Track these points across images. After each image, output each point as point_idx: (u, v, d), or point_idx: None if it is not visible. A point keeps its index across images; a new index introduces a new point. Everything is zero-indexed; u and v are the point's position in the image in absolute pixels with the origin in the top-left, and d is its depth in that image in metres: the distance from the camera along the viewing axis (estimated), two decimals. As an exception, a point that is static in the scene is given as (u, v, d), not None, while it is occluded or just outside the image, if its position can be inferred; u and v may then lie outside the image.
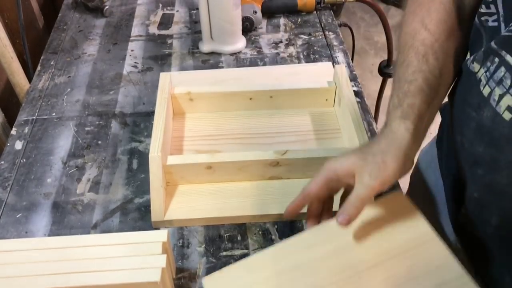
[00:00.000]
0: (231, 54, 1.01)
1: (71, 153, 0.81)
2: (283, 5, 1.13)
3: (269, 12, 1.13)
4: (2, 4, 1.05)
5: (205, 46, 1.02)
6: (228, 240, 0.68)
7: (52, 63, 1.01)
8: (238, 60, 1.00)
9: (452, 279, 0.52)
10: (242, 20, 1.05)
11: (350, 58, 1.02)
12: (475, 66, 0.54)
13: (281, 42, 1.05)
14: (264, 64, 0.99)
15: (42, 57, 1.02)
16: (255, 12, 1.06)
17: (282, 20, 1.12)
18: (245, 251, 0.66)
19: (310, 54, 1.01)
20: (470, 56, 0.56)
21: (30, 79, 0.99)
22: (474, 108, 0.54)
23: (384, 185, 0.55)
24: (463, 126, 0.58)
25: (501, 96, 0.50)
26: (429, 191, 0.76)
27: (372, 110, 0.91)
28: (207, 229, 0.69)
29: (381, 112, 1.51)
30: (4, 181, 0.76)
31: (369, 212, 0.57)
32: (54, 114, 0.88)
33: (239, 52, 1.02)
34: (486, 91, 0.52)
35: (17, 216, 0.71)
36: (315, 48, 1.03)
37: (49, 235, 0.68)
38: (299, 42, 1.05)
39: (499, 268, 0.60)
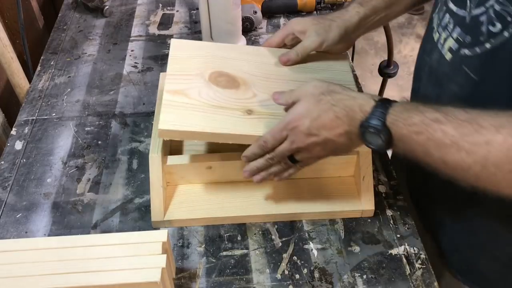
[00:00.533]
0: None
1: (71, 153, 0.81)
2: (283, 5, 1.13)
3: (269, 12, 1.13)
4: (2, 4, 1.05)
5: None
6: (228, 240, 0.68)
7: (52, 63, 1.01)
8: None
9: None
10: (242, 20, 1.05)
11: (350, 58, 1.02)
12: (434, 16, 0.63)
13: (281, 42, 1.05)
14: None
15: (42, 57, 1.02)
16: (255, 12, 1.06)
17: (282, 20, 1.12)
18: (245, 251, 0.66)
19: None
20: (434, 7, 0.65)
21: (30, 79, 0.99)
22: (428, 53, 0.65)
23: (324, 43, 0.72)
24: (420, 72, 0.69)
25: (445, 40, 0.60)
26: None
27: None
28: (207, 229, 0.69)
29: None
30: (4, 181, 0.76)
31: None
32: (54, 114, 0.88)
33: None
34: (436, 36, 0.62)
35: (17, 216, 0.71)
36: (315, 48, 1.03)
37: (49, 235, 0.68)
38: (299, 42, 1.05)
39: (441, 212, 0.72)
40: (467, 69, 0.57)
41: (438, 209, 0.73)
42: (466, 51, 0.57)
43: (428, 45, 0.66)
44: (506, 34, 0.51)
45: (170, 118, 0.63)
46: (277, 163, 0.63)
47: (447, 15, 0.59)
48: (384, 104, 0.54)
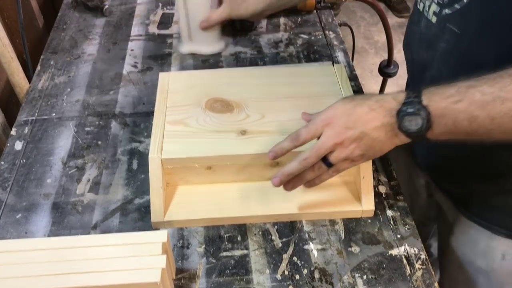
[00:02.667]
0: (216, 54, 1.01)
1: (71, 154, 0.81)
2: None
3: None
4: (2, 4, 1.05)
5: (184, 47, 1.02)
6: (228, 241, 0.68)
7: (52, 63, 1.01)
8: (238, 60, 1.00)
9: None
10: (242, 20, 1.05)
11: (350, 58, 1.02)
12: None
13: (281, 41, 1.05)
14: (264, 64, 0.99)
15: (42, 57, 1.02)
16: (255, 12, 1.06)
17: (282, 20, 1.12)
18: (245, 251, 0.66)
19: (310, 54, 1.01)
20: None
21: (30, 79, 0.99)
22: (416, 23, 0.72)
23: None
24: (412, 41, 0.76)
25: (429, 6, 0.67)
26: None
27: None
28: (207, 230, 0.69)
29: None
30: (4, 182, 0.76)
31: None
32: (54, 114, 0.88)
33: (240, 52, 1.02)
34: (421, 6, 0.70)
35: (17, 217, 0.71)
36: (315, 47, 1.03)
37: (49, 236, 0.68)
38: (299, 41, 1.05)
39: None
40: (451, 25, 0.64)
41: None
42: (447, 11, 0.64)
43: (415, 16, 0.73)
44: None
45: (171, 147, 0.69)
46: (310, 169, 0.62)
47: None
48: (414, 91, 0.57)
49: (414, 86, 0.77)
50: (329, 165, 0.61)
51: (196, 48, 1.01)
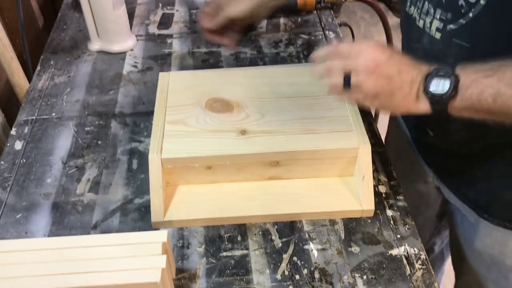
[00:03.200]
0: (216, 54, 1.01)
1: (71, 153, 0.81)
2: (283, 5, 1.13)
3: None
4: (2, 4, 1.05)
5: (93, 45, 1.03)
6: (228, 241, 0.68)
7: (52, 63, 1.01)
8: (238, 60, 1.00)
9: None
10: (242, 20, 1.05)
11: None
12: (411, 9, 0.70)
13: (281, 41, 1.05)
14: (264, 64, 0.99)
15: (42, 57, 1.02)
16: (255, 12, 1.06)
17: (282, 20, 1.12)
18: (245, 251, 0.66)
19: (310, 54, 1.01)
20: (407, 2, 0.71)
21: (30, 79, 0.99)
22: (416, 40, 0.70)
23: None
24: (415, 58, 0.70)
25: (430, 23, 0.66)
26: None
27: (372, 110, 0.91)
28: (207, 230, 0.69)
29: (381, 112, 1.51)
30: (4, 181, 0.76)
31: None
32: (54, 114, 0.88)
33: (240, 52, 1.02)
34: (421, 24, 0.68)
35: (17, 217, 0.71)
36: (315, 47, 1.03)
37: (49, 236, 0.68)
38: (299, 41, 1.05)
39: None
40: (458, 40, 0.63)
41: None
42: (452, 26, 0.63)
43: (414, 34, 0.70)
44: (482, 1, 0.58)
45: (171, 147, 0.69)
46: (334, 72, 0.62)
47: (426, 2, 0.66)
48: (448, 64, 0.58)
49: None
50: (348, 84, 0.60)
51: (106, 46, 1.03)
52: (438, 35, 0.66)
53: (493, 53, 0.58)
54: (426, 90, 0.57)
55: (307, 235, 0.68)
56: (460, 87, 0.56)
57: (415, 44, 0.71)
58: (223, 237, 0.68)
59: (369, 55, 0.60)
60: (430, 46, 0.68)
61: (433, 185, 0.89)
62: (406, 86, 0.58)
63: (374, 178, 0.74)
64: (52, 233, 0.69)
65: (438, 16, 0.64)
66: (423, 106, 0.58)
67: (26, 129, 0.85)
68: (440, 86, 0.56)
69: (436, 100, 0.57)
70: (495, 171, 0.73)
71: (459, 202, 0.81)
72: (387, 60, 0.59)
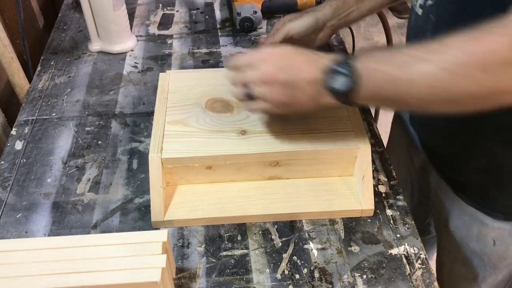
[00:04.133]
0: (216, 54, 1.01)
1: (71, 153, 0.81)
2: (283, 5, 1.13)
3: (269, 12, 1.13)
4: (2, 4, 1.05)
5: (93, 46, 1.03)
6: (228, 240, 0.68)
7: (52, 63, 1.01)
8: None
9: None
10: (242, 20, 1.05)
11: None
12: None
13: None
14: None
15: (42, 57, 1.02)
16: (255, 12, 1.06)
17: (282, 20, 1.12)
18: (245, 251, 0.66)
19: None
20: None
21: (30, 79, 0.99)
22: (412, 22, 0.74)
23: (290, 31, 0.83)
24: (407, 40, 0.78)
25: (417, 0, 0.70)
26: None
27: (372, 110, 0.91)
28: (207, 229, 0.69)
29: (381, 112, 1.51)
30: (4, 181, 0.76)
31: None
32: (54, 114, 0.88)
33: (240, 52, 1.02)
34: (413, 2, 0.72)
35: (17, 216, 0.71)
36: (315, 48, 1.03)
37: (49, 235, 0.68)
38: (299, 42, 1.05)
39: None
40: (431, 15, 0.68)
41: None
42: (430, 1, 0.68)
43: (412, 16, 0.75)
44: None
45: (171, 147, 0.69)
46: (237, 85, 0.66)
47: None
48: (352, 54, 0.62)
49: None
50: (251, 97, 0.63)
51: (106, 46, 1.03)
52: (420, 11, 0.70)
53: (452, 30, 0.61)
54: (327, 87, 0.58)
55: (307, 234, 0.68)
56: (360, 79, 0.56)
57: (408, 25, 0.77)
58: (223, 236, 0.68)
59: (262, 67, 0.61)
60: (415, 24, 0.73)
61: (421, 163, 0.90)
62: (307, 87, 0.59)
63: (374, 178, 0.75)
64: (52, 233, 0.69)
65: None
66: (329, 100, 0.59)
67: (26, 129, 0.85)
68: (339, 81, 0.57)
69: (340, 95, 0.58)
70: (472, 152, 0.74)
71: (440, 180, 0.83)
72: (281, 66, 0.60)
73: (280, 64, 0.60)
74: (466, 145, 0.74)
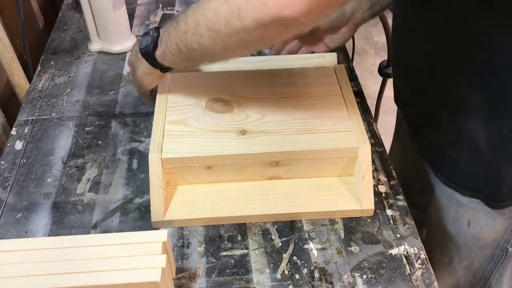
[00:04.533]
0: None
1: (71, 153, 0.81)
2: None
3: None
4: (2, 4, 1.05)
5: (93, 46, 1.03)
6: (228, 240, 0.68)
7: (52, 63, 1.01)
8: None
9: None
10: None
11: (350, 58, 1.02)
12: None
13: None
14: (264, 64, 0.98)
15: (42, 57, 1.02)
16: (255, 12, 1.06)
17: (282, 20, 1.12)
18: (245, 251, 0.66)
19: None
20: None
21: (30, 79, 0.99)
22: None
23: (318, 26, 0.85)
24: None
25: None
26: None
27: (372, 110, 0.91)
28: (207, 229, 0.69)
29: (381, 112, 1.51)
30: (4, 181, 0.76)
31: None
32: (54, 114, 0.88)
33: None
34: None
35: (17, 216, 0.71)
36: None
37: (49, 235, 0.68)
38: (299, 42, 1.05)
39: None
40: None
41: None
42: None
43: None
44: None
45: (171, 147, 0.69)
46: None
47: None
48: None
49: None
50: None
51: (106, 46, 1.03)
52: None
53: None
54: (139, 49, 0.70)
55: (307, 234, 0.68)
56: (160, 40, 0.67)
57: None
58: (223, 236, 0.68)
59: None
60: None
61: (410, 147, 0.92)
62: (134, 58, 0.74)
63: (374, 178, 0.75)
64: (52, 233, 0.69)
65: None
66: (144, 63, 0.71)
67: (26, 129, 0.85)
68: (145, 40, 0.69)
69: (144, 53, 0.69)
70: (440, 125, 0.77)
71: (422, 161, 0.85)
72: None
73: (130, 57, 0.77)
74: (434, 117, 0.76)
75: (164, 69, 0.72)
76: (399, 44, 0.80)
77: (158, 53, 0.68)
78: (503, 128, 0.66)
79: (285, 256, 0.66)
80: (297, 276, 0.64)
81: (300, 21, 0.54)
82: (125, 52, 1.03)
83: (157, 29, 0.69)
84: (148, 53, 0.69)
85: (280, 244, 0.67)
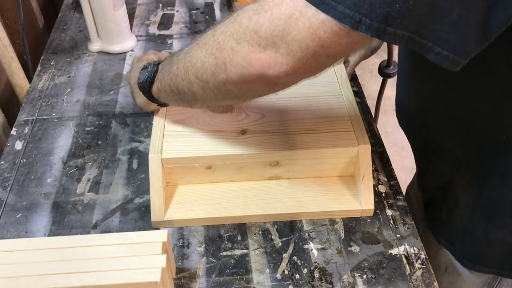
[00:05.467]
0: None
1: (71, 153, 0.81)
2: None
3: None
4: (2, 4, 1.05)
5: (93, 46, 1.03)
6: (228, 240, 0.68)
7: (52, 63, 1.01)
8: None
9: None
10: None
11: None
12: None
13: (281, 42, 1.05)
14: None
15: (42, 57, 1.02)
16: (255, 12, 1.06)
17: (282, 20, 1.12)
18: (245, 251, 0.66)
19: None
20: None
21: (30, 79, 0.99)
22: None
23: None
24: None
25: None
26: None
27: (372, 110, 0.91)
28: (207, 229, 0.69)
29: (381, 112, 1.51)
30: (4, 181, 0.76)
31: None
32: (54, 114, 0.88)
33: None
34: None
35: (17, 216, 0.71)
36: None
37: (49, 235, 0.68)
38: (299, 42, 1.05)
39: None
40: None
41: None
42: None
43: None
44: None
45: (171, 147, 0.69)
46: None
47: None
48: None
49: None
50: None
51: (106, 46, 1.03)
52: None
53: None
54: (138, 82, 0.69)
55: (307, 234, 0.68)
56: (156, 78, 0.67)
57: None
58: (223, 236, 0.68)
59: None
60: None
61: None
62: (134, 87, 0.73)
63: (374, 178, 0.75)
64: (52, 233, 0.69)
65: None
66: (142, 96, 0.71)
67: (26, 129, 0.85)
68: (143, 74, 0.68)
69: (141, 87, 0.69)
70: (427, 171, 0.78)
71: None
72: (132, 66, 0.76)
73: (130, 70, 0.76)
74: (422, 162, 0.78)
75: (162, 104, 0.71)
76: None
77: (154, 89, 0.68)
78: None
79: (285, 256, 0.66)
80: (297, 276, 0.64)
81: (287, 80, 0.52)
82: (125, 52, 1.03)
83: (157, 64, 0.68)
84: (145, 88, 0.68)
85: (280, 244, 0.67)
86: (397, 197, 0.73)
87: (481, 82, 0.56)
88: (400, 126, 0.83)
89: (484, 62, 0.45)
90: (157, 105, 0.72)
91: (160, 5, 1.19)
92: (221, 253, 0.66)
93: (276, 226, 0.70)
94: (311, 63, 0.48)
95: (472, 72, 0.45)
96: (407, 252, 0.66)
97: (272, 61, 0.49)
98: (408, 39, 0.42)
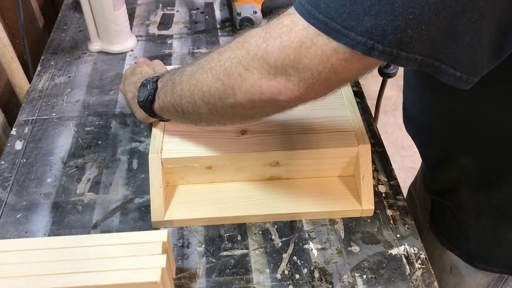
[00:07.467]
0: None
1: (71, 153, 0.81)
2: (283, 5, 1.13)
3: (269, 12, 1.13)
4: (2, 4, 1.05)
5: (93, 46, 1.03)
6: (228, 240, 0.68)
7: (52, 63, 1.01)
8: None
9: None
10: (242, 20, 1.05)
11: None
12: None
13: (281, 42, 1.05)
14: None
15: (42, 57, 1.02)
16: (255, 12, 1.06)
17: (282, 20, 1.12)
18: (245, 251, 0.66)
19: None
20: None
21: (30, 79, 0.99)
22: None
23: None
24: None
25: None
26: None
27: (372, 110, 0.91)
28: (207, 229, 0.69)
29: (381, 112, 1.51)
30: (4, 181, 0.76)
31: None
32: (54, 114, 0.88)
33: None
34: None
35: (17, 216, 0.71)
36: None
37: (49, 235, 0.68)
38: (299, 42, 1.05)
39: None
40: None
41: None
42: None
43: None
44: None
45: (171, 147, 0.70)
46: None
47: None
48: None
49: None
50: None
51: (106, 46, 1.03)
52: None
53: None
54: (137, 100, 0.69)
55: (307, 234, 0.68)
56: (157, 95, 0.66)
57: None
58: (223, 236, 0.68)
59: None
60: None
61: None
62: (134, 104, 0.72)
63: (374, 178, 0.75)
64: (52, 233, 0.69)
65: None
66: (142, 112, 0.71)
67: (26, 129, 0.85)
68: (142, 92, 0.68)
69: (142, 105, 0.68)
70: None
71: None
72: (125, 84, 0.76)
73: (125, 83, 0.77)
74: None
75: (164, 119, 0.71)
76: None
77: (156, 107, 0.68)
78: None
79: (285, 256, 0.66)
80: (297, 276, 0.64)
81: (296, 103, 0.53)
82: (125, 52, 1.03)
83: (155, 82, 0.67)
84: (146, 106, 0.68)
85: (280, 244, 0.67)
86: (397, 197, 0.73)
87: (489, 91, 0.56)
88: (408, 133, 0.83)
89: (493, 73, 0.45)
90: (159, 120, 0.72)
91: (160, 5, 1.19)
92: (221, 253, 0.66)
93: (276, 226, 0.70)
94: (322, 88, 0.48)
95: (480, 83, 0.45)
96: (407, 252, 0.66)
97: (282, 87, 0.49)
98: (421, 62, 0.42)
